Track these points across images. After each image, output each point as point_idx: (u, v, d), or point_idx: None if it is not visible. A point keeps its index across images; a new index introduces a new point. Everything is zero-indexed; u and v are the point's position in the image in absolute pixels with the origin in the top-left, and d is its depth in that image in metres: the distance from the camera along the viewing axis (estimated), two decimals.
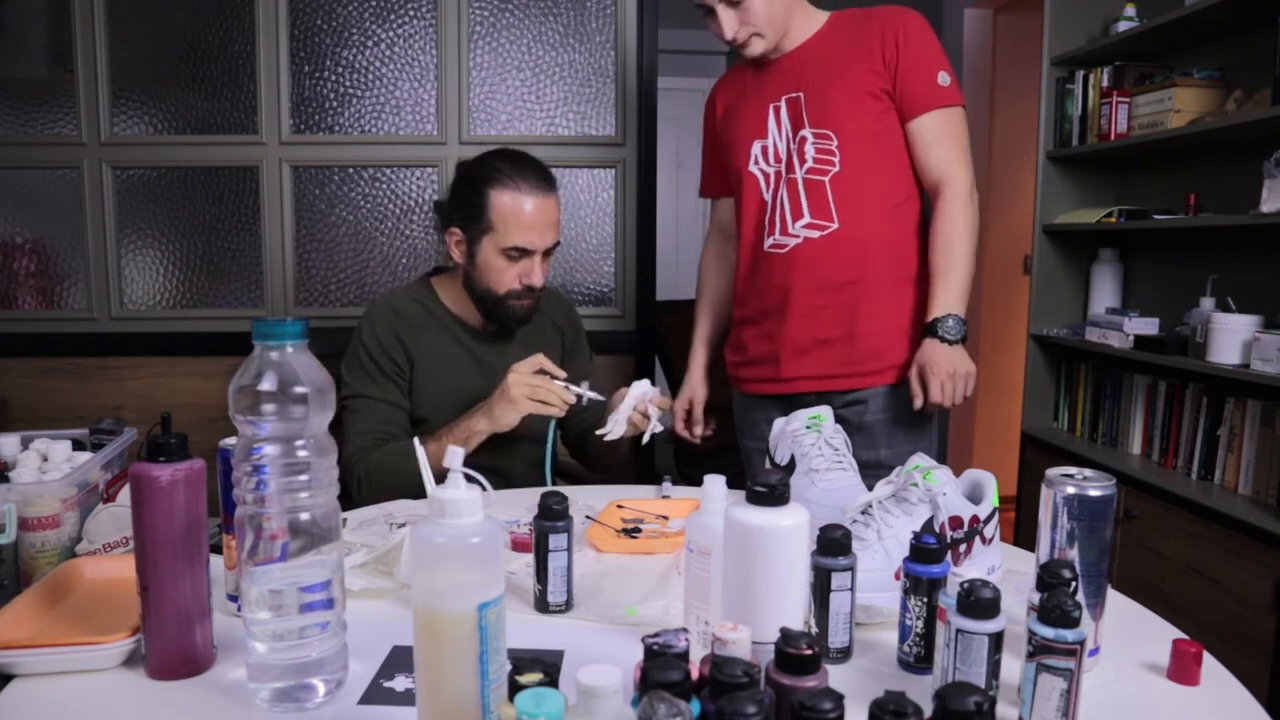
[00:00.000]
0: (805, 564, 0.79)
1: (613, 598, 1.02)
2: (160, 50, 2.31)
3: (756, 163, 1.61)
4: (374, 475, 1.49)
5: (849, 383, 1.58)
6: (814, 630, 0.85)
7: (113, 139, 2.31)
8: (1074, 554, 0.82)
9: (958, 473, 1.04)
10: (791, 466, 1.22)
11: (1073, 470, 0.84)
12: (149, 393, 2.38)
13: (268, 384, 0.75)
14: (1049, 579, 0.76)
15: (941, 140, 1.53)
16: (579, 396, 1.44)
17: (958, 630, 0.73)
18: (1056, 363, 2.75)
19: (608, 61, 2.37)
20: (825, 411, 1.24)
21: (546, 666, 0.61)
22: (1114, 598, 0.98)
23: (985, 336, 3.78)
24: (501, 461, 1.58)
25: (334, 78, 2.34)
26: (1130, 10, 2.44)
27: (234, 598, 0.94)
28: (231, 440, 0.83)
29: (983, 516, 1.00)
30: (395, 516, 1.24)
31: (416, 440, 0.99)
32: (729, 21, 1.52)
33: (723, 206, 1.78)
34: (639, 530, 1.21)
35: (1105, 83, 2.49)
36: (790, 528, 0.76)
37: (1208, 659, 0.84)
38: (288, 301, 2.39)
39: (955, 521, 0.98)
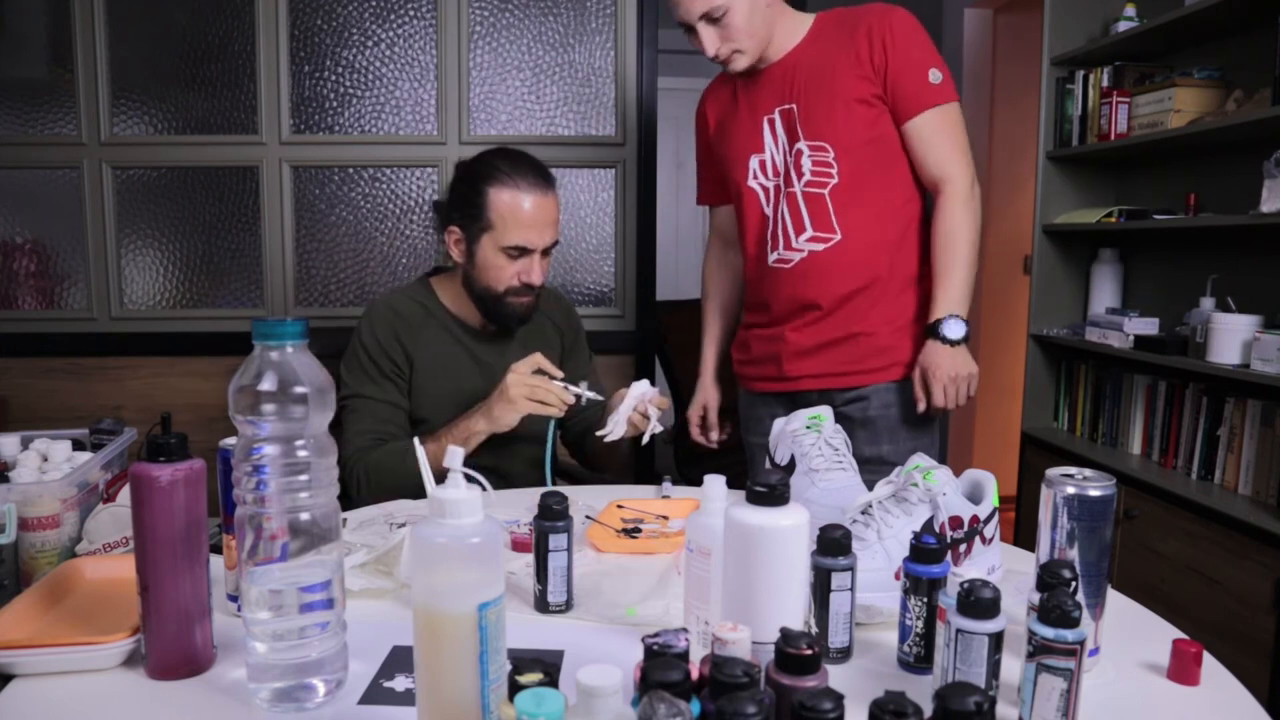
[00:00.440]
0: (805, 564, 0.79)
1: (613, 598, 1.02)
2: (160, 50, 2.31)
3: (755, 178, 1.61)
4: (373, 475, 1.49)
5: (852, 380, 1.58)
6: (814, 630, 0.85)
7: (113, 139, 2.31)
8: (1074, 554, 0.82)
9: (958, 473, 1.04)
10: (791, 466, 1.22)
11: (1073, 470, 0.84)
12: (149, 393, 2.38)
13: (268, 384, 0.75)
14: (1049, 579, 0.76)
15: (938, 139, 1.52)
16: (578, 396, 1.44)
17: (958, 630, 0.73)
18: (1056, 363, 2.75)
19: (608, 61, 2.36)
20: (825, 411, 1.25)
21: (546, 666, 0.61)
22: (1114, 598, 0.98)
23: (985, 336, 3.78)
24: (501, 461, 1.58)
25: (334, 78, 2.34)
26: (1130, 10, 2.44)
27: (234, 598, 0.94)
28: (231, 440, 0.83)
29: (983, 516, 1.00)
30: (395, 516, 1.24)
31: (416, 440, 0.99)
32: (710, 38, 1.51)
33: (722, 214, 1.79)
34: (639, 530, 1.21)
35: (1105, 83, 2.49)
36: (790, 528, 0.76)
37: (1208, 659, 0.84)
38: (288, 301, 2.39)
39: (955, 521, 0.98)
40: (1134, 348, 2.30)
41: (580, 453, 1.79)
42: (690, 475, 2.78)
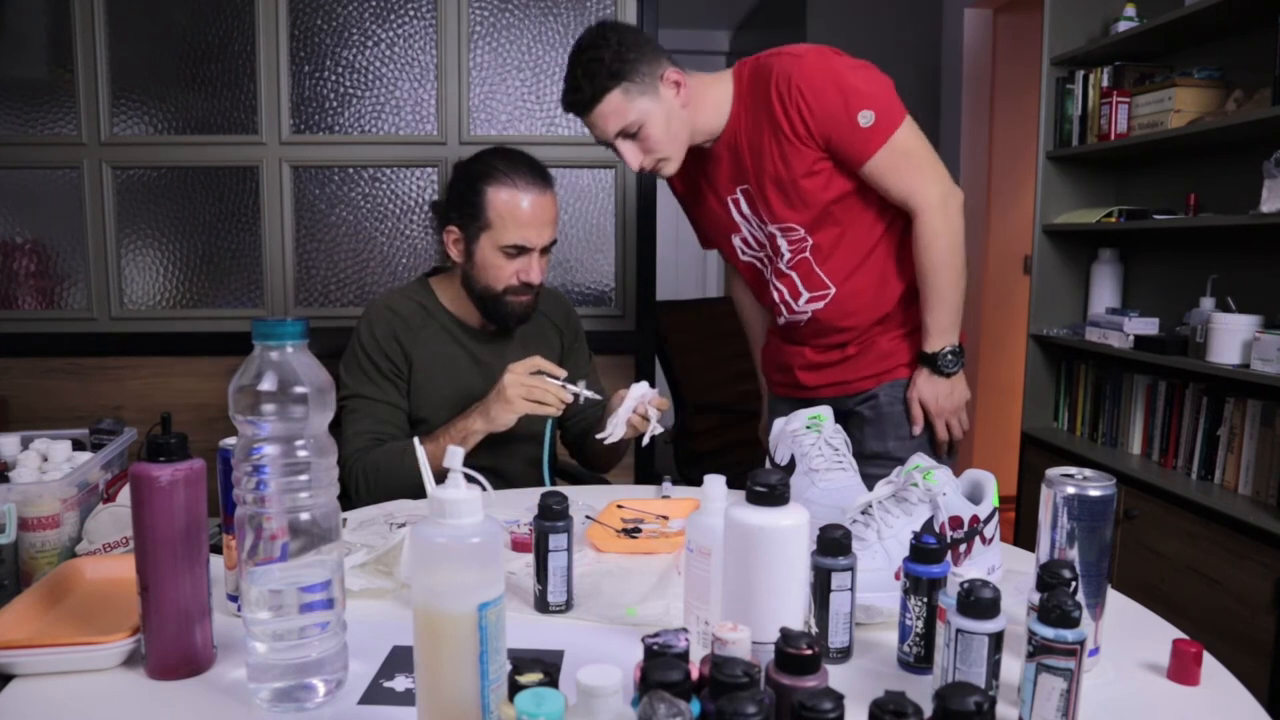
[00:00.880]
0: (805, 564, 0.79)
1: (613, 598, 1.02)
2: (160, 50, 2.31)
3: (743, 254, 1.63)
4: (371, 475, 1.49)
5: (861, 385, 1.61)
6: (814, 630, 0.85)
7: (113, 139, 2.31)
8: (1074, 554, 0.82)
9: (958, 473, 1.04)
10: (792, 466, 1.22)
11: (1073, 470, 0.84)
12: (149, 393, 2.38)
13: (268, 384, 0.75)
14: (1049, 579, 0.76)
15: (893, 175, 1.46)
16: (576, 396, 1.44)
17: (958, 630, 0.73)
18: (1056, 363, 2.75)
19: None
20: (825, 411, 1.25)
21: (546, 666, 0.61)
22: (1114, 598, 0.98)
23: (985, 336, 3.78)
24: (500, 461, 1.58)
25: (334, 78, 2.34)
26: (1130, 10, 2.44)
27: (234, 598, 0.94)
28: (231, 440, 0.83)
29: (983, 516, 1.00)
30: (395, 516, 1.24)
31: (416, 440, 0.99)
32: (631, 153, 1.47)
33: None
34: (639, 530, 1.21)
35: (1105, 83, 2.49)
36: (790, 528, 0.76)
37: (1208, 659, 0.84)
38: (288, 301, 2.39)
39: (955, 521, 0.98)
40: (1134, 348, 2.30)
41: (580, 453, 1.80)
42: (690, 475, 2.78)
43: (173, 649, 0.82)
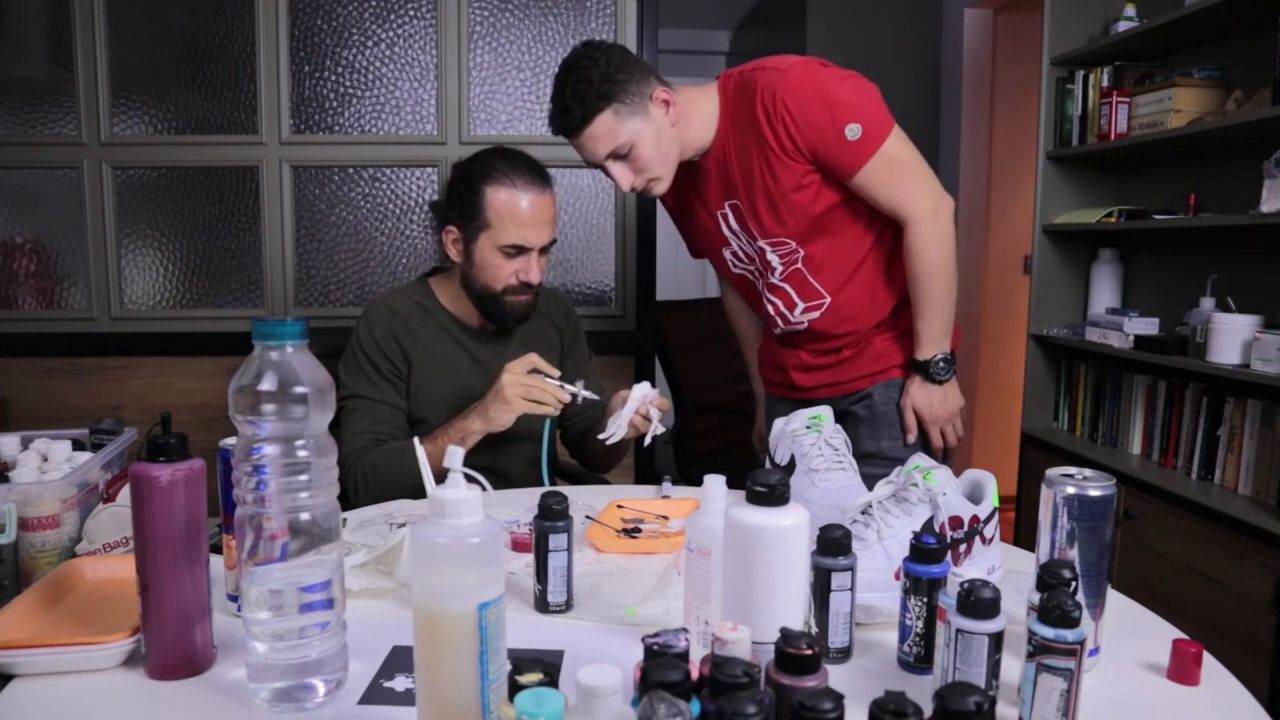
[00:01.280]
0: (805, 564, 0.79)
1: (613, 598, 1.02)
2: (160, 50, 2.31)
3: (734, 267, 1.63)
4: (370, 476, 1.49)
5: (855, 385, 1.62)
6: (814, 630, 0.85)
7: (113, 139, 2.31)
8: (1074, 554, 0.82)
9: (958, 473, 1.04)
10: (792, 466, 1.22)
11: (1073, 470, 0.84)
12: (149, 393, 2.38)
13: (268, 384, 0.75)
14: (1049, 579, 0.76)
15: (883, 187, 1.45)
16: (574, 395, 1.43)
17: (958, 630, 0.73)
18: (1056, 363, 2.75)
19: None
20: (825, 411, 1.25)
21: (546, 666, 0.61)
22: (1114, 598, 0.98)
23: (985, 336, 3.78)
24: (499, 461, 1.58)
25: (334, 78, 2.34)
26: (1130, 10, 2.43)
27: (234, 598, 0.94)
28: (231, 440, 0.83)
29: (983, 516, 1.00)
30: (395, 516, 1.24)
31: (416, 440, 0.99)
32: (622, 174, 1.46)
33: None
34: (639, 530, 1.21)
35: (1105, 83, 2.49)
36: (790, 528, 0.76)
37: (1208, 659, 0.84)
38: (288, 301, 2.39)
39: (955, 521, 0.98)
40: (1134, 348, 2.30)
41: (580, 453, 1.80)
42: (690, 475, 2.78)
43: (173, 649, 0.82)
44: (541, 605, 0.98)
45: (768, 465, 1.28)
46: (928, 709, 0.57)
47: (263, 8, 2.28)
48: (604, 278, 2.45)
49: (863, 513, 1.02)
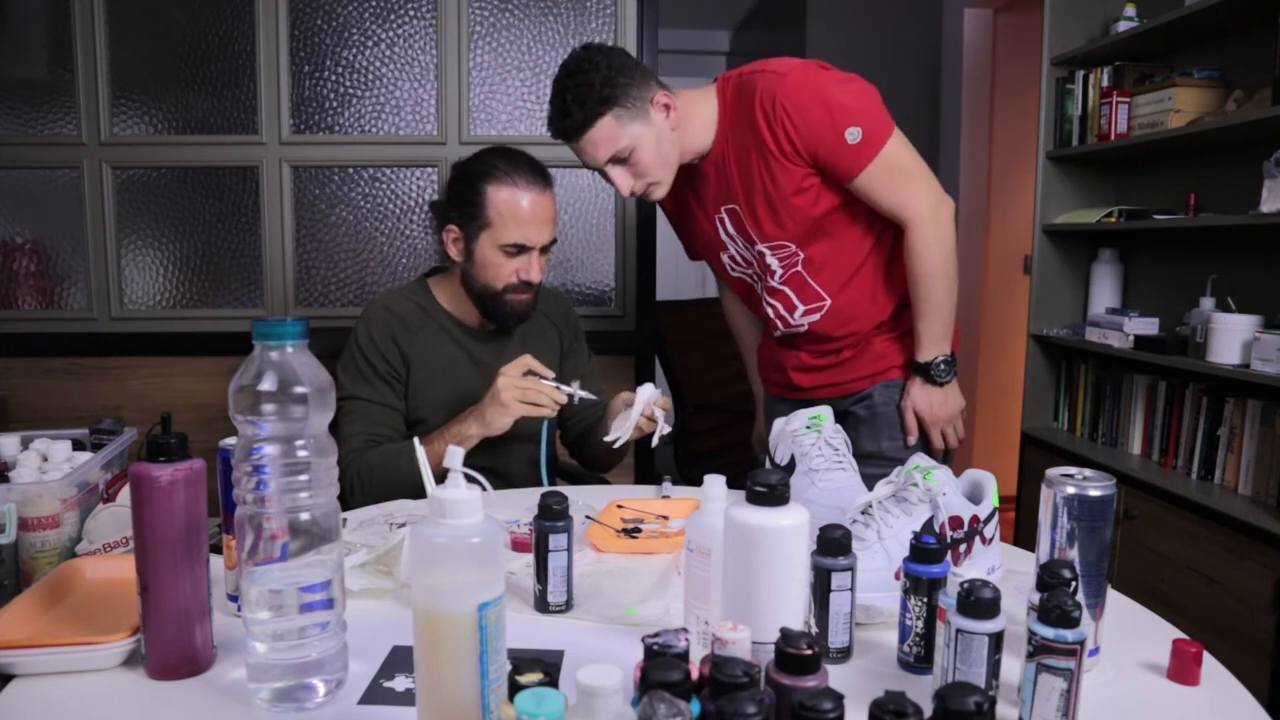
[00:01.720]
0: (805, 564, 0.79)
1: (613, 598, 1.02)
2: (160, 50, 2.31)
3: (732, 270, 1.63)
4: (366, 477, 1.48)
5: (855, 386, 1.62)
6: (814, 630, 0.85)
7: (113, 139, 2.31)
8: (1074, 554, 0.82)
9: (958, 473, 1.04)
10: (792, 466, 1.22)
11: (1073, 470, 0.84)
12: (149, 393, 2.38)
13: (268, 384, 0.75)
14: (1049, 579, 0.76)
15: (882, 190, 1.45)
16: (570, 396, 1.43)
17: (958, 630, 0.73)
18: (1056, 363, 2.75)
19: None
20: (825, 411, 1.25)
21: (546, 666, 0.61)
22: (1114, 598, 0.98)
23: (985, 336, 3.78)
24: (499, 462, 1.58)
25: (334, 78, 2.34)
26: (1130, 10, 2.43)
27: (234, 598, 0.94)
28: (231, 440, 0.83)
29: (983, 516, 1.00)
30: (395, 516, 1.24)
31: (416, 440, 0.99)
32: (622, 179, 1.45)
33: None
34: (639, 530, 1.21)
35: (1105, 83, 2.48)
36: (790, 528, 0.76)
37: (1208, 659, 0.84)
38: (288, 301, 2.39)
39: (955, 521, 0.98)
40: (1134, 348, 2.30)
41: (580, 454, 1.80)
42: (690, 475, 2.78)
43: (173, 649, 0.82)
44: (541, 605, 0.98)
45: (768, 465, 1.28)
46: (928, 709, 0.57)
47: (263, 8, 2.28)
48: (604, 278, 2.44)
49: (863, 513, 1.02)
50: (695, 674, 0.64)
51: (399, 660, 0.86)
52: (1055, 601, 0.70)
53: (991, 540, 1.02)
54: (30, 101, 2.30)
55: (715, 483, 0.86)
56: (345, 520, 1.21)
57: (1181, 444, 2.27)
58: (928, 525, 0.97)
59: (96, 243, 2.34)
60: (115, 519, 1.18)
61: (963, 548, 0.99)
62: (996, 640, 0.73)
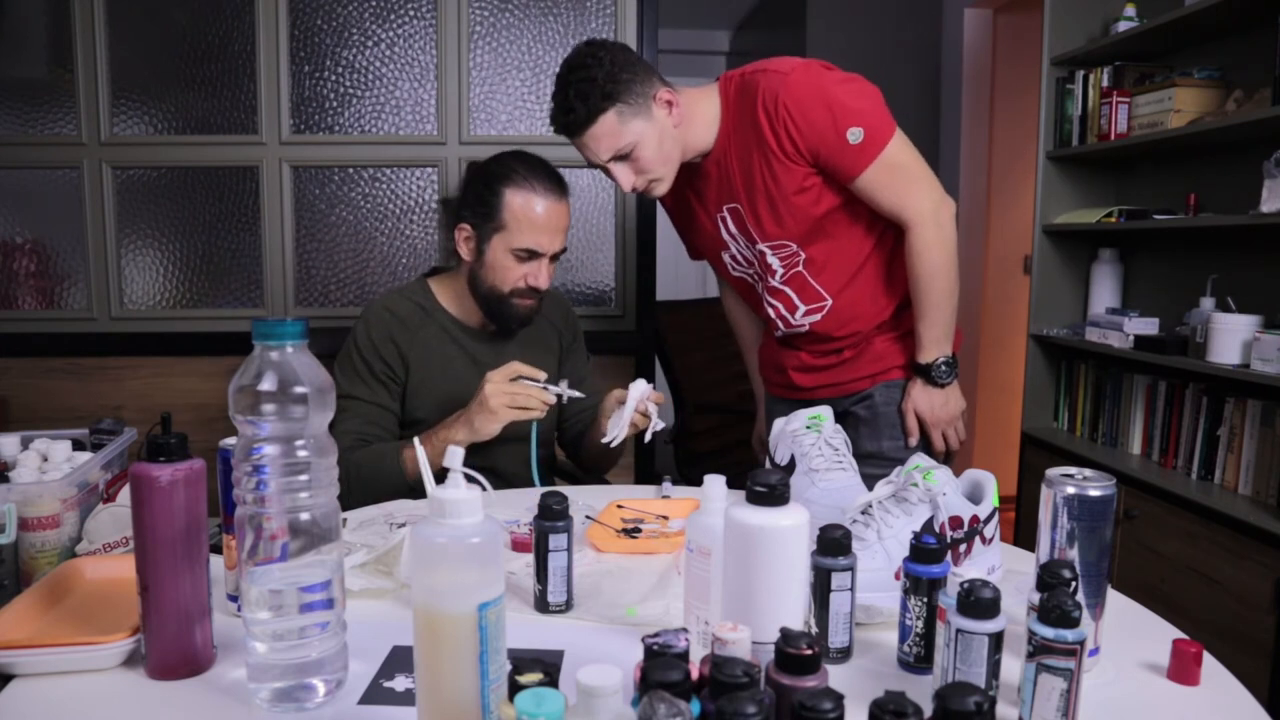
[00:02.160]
0: (805, 564, 0.79)
1: (613, 598, 1.02)
2: (160, 50, 2.31)
3: (733, 270, 1.64)
4: (353, 475, 1.47)
5: (856, 386, 1.62)
6: (814, 630, 0.85)
7: (113, 139, 2.31)
8: (1074, 554, 0.82)
9: (958, 473, 1.04)
10: (792, 467, 1.22)
11: (1073, 470, 0.84)
12: (149, 393, 2.38)
13: (268, 384, 0.75)
14: (1049, 579, 0.76)
15: (883, 190, 1.46)
16: (558, 396, 1.43)
17: (958, 630, 0.73)
18: (1056, 363, 2.75)
19: None
20: (825, 411, 1.25)
21: (546, 666, 0.61)
22: (1114, 598, 0.98)
23: (985, 336, 3.78)
24: (498, 461, 1.59)
25: (334, 78, 2.34)
26: (1130, 10, 2.43)
27: (234, 598, 0.94)
28: (231, 440, 0.83)
29: (983, 516, 1.00)
30: (395, 516, 1.24)
31: (417, 440, 0.99)
32: (624, 175, 1.46)
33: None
34: (639, 530, 1.21)
35: (1105, 83, 2.49)
36: (790, 528, 0.76)
37: (1208, 659, 0.84)
38: (288, 301, 2.39)
39: (955, 521, 0.98)
40: (1134, 348, 2.30)
41: (576, 455, 1.79)
42: (690, 475, 2.78)
43: (173, 649, 0.82)
44: (541, 605, 0.98)
45: (768, 466, 1.28)
46: (928, 709, 0.57)
47: (263, 8, 2.28)
48: (604, 278, 2.44)
49: (863, 513, 1.02)
50: (695, 674, 0.64)
51: (399, 660, 0.86)
52: (1055, 601, 0.70)
53: (991, 540, 1.02)
54: (30, 101, 2.30)
55: (715, 483, 0.86)
56: (345, 520, 1.21)
57: (1181, 444, 2.27)
58: (928, 525, 0.97)
59: (96, 243, 2.34)
60: (115, 519, 1.18)
61: (963, 548, 0.99)
62: (996, 640, 0.73)
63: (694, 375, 2.98)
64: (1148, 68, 2.48)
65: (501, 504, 1.29)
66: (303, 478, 0.77)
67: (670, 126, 1.45)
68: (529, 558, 1.02)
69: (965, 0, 3.71)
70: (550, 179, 1.52)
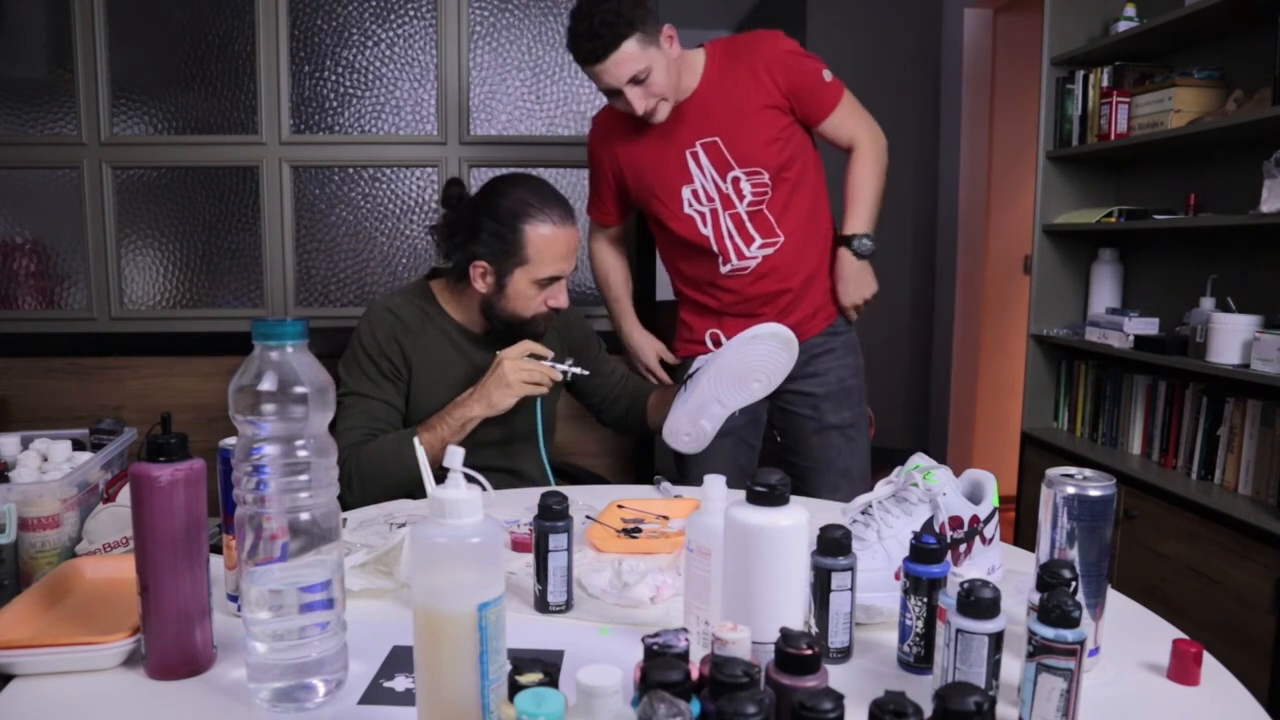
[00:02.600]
0: (805, 564, 0.79)
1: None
2: (160, 50, 2.31)
3: (690, 205, 1.77)
4: (366, 467, 1.47)
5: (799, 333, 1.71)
6: (814, 630, 0.85)
7: (113, 139, 2.31)
8: (1074, 554, 0.82)
9: (958, 473, 1.04)
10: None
11: (1073, 470, 0.84)
12: (149, 393, 2.38)
13: (268, 384, 0.75)
14: (1049, 579, 0.76)
15: (848, 120, 1.78)
16: (565, 373, 1.52)
17: (958, 630, 0.73)
18: (1056, 363, 2.75)
19: None
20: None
21: (546, 666, 0.61)
22: (1114, 598, 0.98)
23: (985, 336, 3.78)
24: (515, 462, 1.62)
25: (334, 78, 2.34)
26: (1130, 10, 2.43)
27: (234, 598, 0.94)
28: (231, 440, 0.83)
29: (983, 516, 1.00)
30: (395, 516, 1.24)
31: (416, 440, 0.99)
32: (637, 98, 1.63)
33: (614, 229, 2.02)
34: (639, 530, 1.21)
35: (1105, 83, 2.48)
36: (790, 528, 0.76)
37: (1208, 659, 0.84)
38: (288, 301, 2.39)
39: (955, 521, 0.98)
40: (1134, 348, 2.30)
41: (624, 422, 1.83)
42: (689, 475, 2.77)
43: (173, 649, 0.82)
44: (541, 605, 0.98)
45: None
46: (928, 709, 0.57)
47: (263, 8, 2.28)
48: None
49: (863, 513, 1.02)
50: (695, 674, 0.64)
51: (399, 660, 0.86)
52: (1055, 601, 0.70)
53: (991, 540, 1.02)
54: (30, 101, 2.30)
55: (715, 482, 0.86)
56: (345, 520, 1.21)
57: (1181, 444, 2.27)
58: (928, 525, 0.97)
59: (96, 243, 2.34)
60: (115, 519, 1.18)
61: (963, 548, 0.99)
62: (996, 640, 0.73)
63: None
64: (1148, 68, 2.48)
65: (501, 504, 1.29)
66: (303, 478, 0.77)
67: (673, 57, 1.67)
68: (529, 558, 1.02)
69: (965, 0, 3.71)
70: (562, 205, 1.56)
